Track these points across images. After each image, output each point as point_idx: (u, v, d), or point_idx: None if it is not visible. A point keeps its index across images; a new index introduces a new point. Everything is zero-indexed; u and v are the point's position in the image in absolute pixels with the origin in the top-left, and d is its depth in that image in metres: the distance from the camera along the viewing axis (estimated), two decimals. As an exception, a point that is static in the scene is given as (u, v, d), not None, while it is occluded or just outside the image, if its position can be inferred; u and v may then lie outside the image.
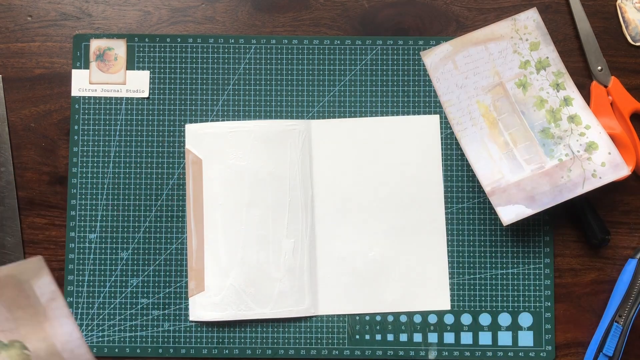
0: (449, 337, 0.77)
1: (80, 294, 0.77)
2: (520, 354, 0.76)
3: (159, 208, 0.78)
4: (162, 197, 0.78)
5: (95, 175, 0.78)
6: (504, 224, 0.74)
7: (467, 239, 0.77)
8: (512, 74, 0.77)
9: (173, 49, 0.79)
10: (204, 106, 0.79)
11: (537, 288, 0.77)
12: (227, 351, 0.77)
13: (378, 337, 0.77)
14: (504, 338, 0.77)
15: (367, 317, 0.77)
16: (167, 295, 0.77)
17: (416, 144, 0.78)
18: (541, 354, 0.77)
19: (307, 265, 0.77)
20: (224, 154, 0.77)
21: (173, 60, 0.79)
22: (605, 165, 0.74)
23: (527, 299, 0.77)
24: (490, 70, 0.77)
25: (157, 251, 0.78)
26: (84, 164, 0.78)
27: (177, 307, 0.77)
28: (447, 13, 0.79)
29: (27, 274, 0.59)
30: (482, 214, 0.78)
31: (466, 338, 0.77)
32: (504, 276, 0.77)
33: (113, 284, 0.77)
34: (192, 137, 0.78)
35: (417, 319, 0.77)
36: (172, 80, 0.79)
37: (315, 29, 0.79)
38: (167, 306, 0.77)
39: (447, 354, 0.76)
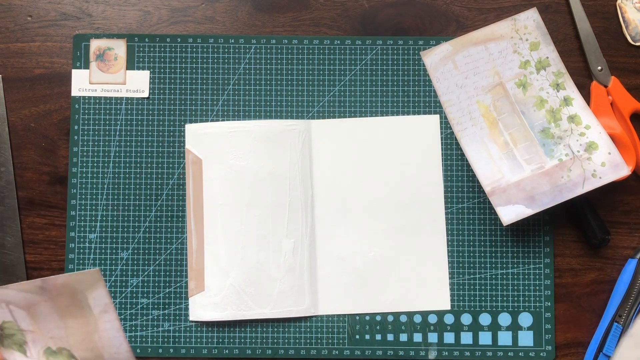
0: (449, 337, 0.77)
1: (80, 294, 0.77)
2: (520, 354, 0.76)
3: (159, 208, 0.78)
4: (162, 197, 0.78)
5: (95, 175, 0.78)
6: (504, 224, 0.74)
7: (467, 239, 0.77)
8: (512, 74, 0.77)
9: (173, 49, 0.79)
10: (204, 106, 0.79)
11: (537, 288, 0.77)
12: (227, 351, 0.77)
13: (378, 337, 0.77)
14: (504, 338, 0.77)
15: (367, 317, 0.77)
16: (167, 295, 0.77)
17: (416, 144, 0.78)
18: (541, 354, 0.77)
19: (307, 265, 0.77)
20: (224, 154, 0.77)
21: (173, 60, 0.79)
22: (605, 165, 0.74)
23: (527, 299, 0.77)
24: (490, 70, 0.77)
25: (157, 251, 0.78)
26: (84, 164, 0.78)
27: (177, 307, 0.77)
28: (447, 13, 0.79)
29: (84, 284, 0.60)
30: (482, 214, 0.78)
31: (466, 338, 0.77)
32: (504, 276, 0.77)
33: (113, 284, 0.77)
34: (192, 137, 0.78)
35: (417, 319, 0.77)
36: (172, 80, 0.79)
37: (315, 29, 0.79)
38: (167, 306, 0.77)
39: (447, 354, 0.76)
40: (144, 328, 0.77)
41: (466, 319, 0.77)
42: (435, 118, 0.78)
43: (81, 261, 0.77)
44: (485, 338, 0.77)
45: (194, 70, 0.79)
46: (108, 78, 0.79)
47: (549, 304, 0.77)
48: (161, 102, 0.79)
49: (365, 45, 0.79)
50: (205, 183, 0.77)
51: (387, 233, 0.77)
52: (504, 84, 0.77)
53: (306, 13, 0.80)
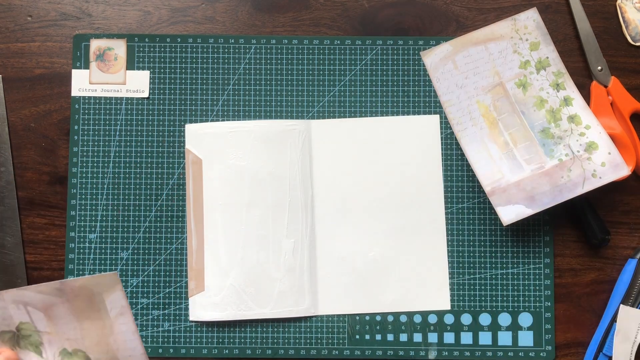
0: (449, 337, 0.77)
1: (80, 294, 0.77)
2: (520, 354, 0.76)
3: (159, 208, 0.78)
4: (162, 197, 0.78)
5: (95, 175, 0.78)
6: (504, 224, 0.74)
7: (467, 239, 0.77)
8: (512, 74, 0.77)
9: (173, 49, 0.79)
10: (204, 106, 0.79)
11: (537, 288, 0.77)
12: (227, 351, 0.77)
13: (378, 337, 0.77)
14: (504, 338, 0.77)
15: (367, 317, 0.77)
16: (167, 295, 0.77)
17: (416, 144, 0.78)
18: (541, 354, 0.77)
19: (307, 265, 0.77)
20: (224, 154, 0.77)
21: (173, 60, 0.79)
22: (605, 165, 0.74)
23: (527, 299, 0.77)
24: (490, 70, 0.77)
25: (157, 251, 0.78)
26: (84, 164, 0.78)
27: (177, 307, 0.77)
28: (447, 13, 0.79)
29: (101, 287, 0.60)
30: (482, 214, 0.78)
31: (466, 338, 0.77)
32: (504, 276, 0.77)
33: (113, 284, 0.77)
34: (192, 137, 0.78)
35: (417, 319, 0.77)
36: (172, 80, 0.79)
37: (315, 29, 0.79)
38: (167, 306, 0.77)
39: (447, 354, 0.76)
40: (144, 328, 0.77)
41: (466, 319, 0.77)
42: (435, 118, 0.78)
43: (81, 261, 0.77)
44: (485, 338, 0.77)
45: (194, 70, 0.79)
46: (108, 78, 0.79)
47: (549, 304, 0.77)
48: (161, 102, 0.79)
49: (365, 45, 0.79)
50: (205, 183, 0.77)
51: (387, 233, 0.77)
52: (504, 84, 0.77)
53: (306, 13, 0.80)
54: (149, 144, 0.78)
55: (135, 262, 0.77)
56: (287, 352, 0.77)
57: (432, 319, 0.77)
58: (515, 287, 0.77)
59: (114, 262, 0.77)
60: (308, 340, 0.77)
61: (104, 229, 0.78)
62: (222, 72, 0.79)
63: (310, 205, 0.77)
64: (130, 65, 0.79)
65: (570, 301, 0.77)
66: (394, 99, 0.79)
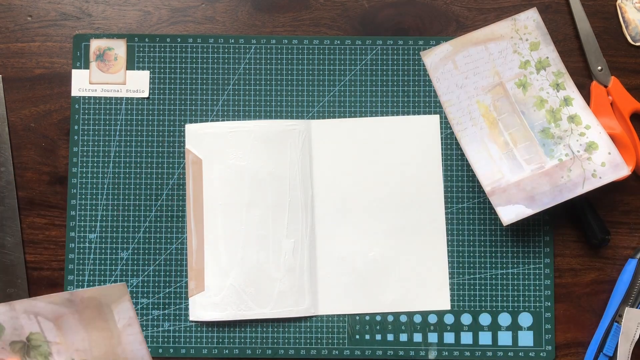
0: (449, 337, 0.77)
1: (80, 294, 0.77)
2: (520, 354, 0.76)
3: (159, 208, 0.78)
4: (162, 197, 0.78)
5: (95, 175, 0.78)
6: (504, 224, 0.74)
7: (467, 239, 0.77)
8: (512, 74, 0.77)
9: (173, 49, 0.79)
10: (204, 106, 0.79)
11: (537, 288, 0.77)
12: (227, 351, 0.77)
13: (378, 337, 0.77)
14: (504, 338, 0.77)
15: (367, 317, 0.77)
16: (167, 295, 0.77)
17: (416, 144, 0.78)
18: (541, 354, 0.77)
19: (307, 265, 0.77)
20: (224, 154, 0.77)
21: (173, 60, 0.79)
22: (605, 165, 0.74)
23: (527, 299, 0.77)
24: (490, 70, 0.77)
25: (157, 251, 0.78)
26: (84, 164, 0.78)
27: (177, 307, 0.77)
28: (447, 13, 0.79)
29: (110, 298, 0.61)
30: (482, 214, 0.78)
31: (466, 338, 0.77)
32: (504, 276, 0.77)
33: (113, 283, 0.77)
34: (192, 137, 0.78)
35: (417, 319, 0.77)
36: (172, 80, 0.79)
37: (315, 29, 0.79)
38: (167, 306, 0.77)
39: (447, 354, 0.76)
40: (144, 328, 0.77)
41: (466, 319, 0.77)
42: (435, 118, 0.78)
43: (81, 261, 0.77)
44: (485, 338, 0.77)
45: (194, 70, 0.79)
46: (108, 78, 0.79)
47: (549, 304, 0.77)
48: (161, 102, 0.79)
49: (365, 45, 0.79)
50: (205, 183, 0.77)
51: (387, 233, 0.77)
52: (504, 84, 0.77)
53: (306, 13, 0.80)
54: (149, 144, 0.78)
55: (135, 262, 0.77)
56: (287, 352, 0.77)
57: (432, 319, 0.77)
58: (515, 287, 0.77)
59: (114, 262, 0.77)
60: (308, 340, 0.77)
61: (104, 229, 0.78)
62: (222, 72, 0.79)
63: (310, 205, 0.77)
64: (130, 65, 0.79)
65: (570, 301, 0.77)
66: (394, 99, 0.79)
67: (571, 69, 0.77)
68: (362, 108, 0.78)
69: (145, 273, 0.77)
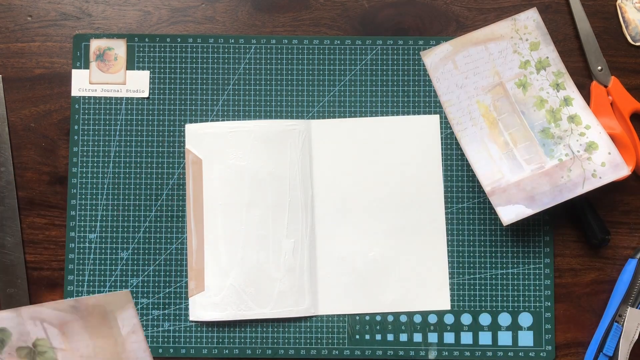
0: (449, 337, 0.77)
1: (80, 294, 0.77)
2: (520, 354, 0.76)
3: (159, 208, 0.78)
4: (162, 197, 0.78)
5: (95, 175, 0.78)
6: (504, 224, 0.74)
7: (467, 239, 0.77)
8: (512, 74, 0.77)
9: (173, 49, 0.79)
10: (204, 106, 0.79)
11: (537, 288, 0.77)
12: (227, 351, 0.77)
13: (378, 337, 0.77)
14: (504, 338, 0.77)
15: (367, 317, 0.77)
16: (167, 295, 0.77)
17: (416, 144, 0.78)
18: (541, 354, 0.77)
19: (307, 265, 0.77)
20: (224, 154, 0.77)
21: (173, 60, 0.79)
22: (605, 165, 0.74)
23: (527, 299, 0.77)
24: (490, 70, 0.77)
25: (157, 251, 0.78)
26: (84, 164, 0.78)
27: (177, 307, 0.77)
28: (447, 13, 0.79)
29: (114, 305, 0.61)
30: (482, 214, 0.78)
31: (466, 338, 0.77)
32: (504, 276, 0.77)
33: (113, 284, 0.77)
34: (192, 137, 0.78)
35: (417, 319, 0.77)
36: (172, 80, 0.79)
37: (315, 29, 0.79)
38: (167, 306, 0.77)
39: (447, 354, 0.76)
40: (144, 328, 0.77)
41: (466, 319, 0.77)
42: (435, 118, 0.78)
43: (81, 261, 0.77)
44: (485, 338, 0.77)
45: (194, 70, 0.79)
46: (108, 78, 0.79)
47: (549, 304, 0.77)
48: (161, 102, 0.79)
49: (365, 45, 0.79)
50: (205, 183, 0.77)
51: (387, 233, 0.77)
52: (504, 84, 0.77)
53: (306, 13, 0.80)
54: (149, 144, 0.78)
55: (135, 262, 0.77)
56: (287, 352, 0.77)
57: (432, 319, 0.77)
58: (515, 287, 0.77)
59: (114, 262, 0.77)
60: (308, 340, 0.77)
61: (104, 229, 0.78)
62: (222, 72, 0.79)
63: (310, 205, 0.77)
64: (130, 65, 0.79)
65: (570, 301, 0.77)
66: (394, 99, 0.79)
67: (571, 69, 0.77)
68: (362, 108, 0.78)
69: (145, 273, 0.77)
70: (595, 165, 0.74)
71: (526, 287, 0.77)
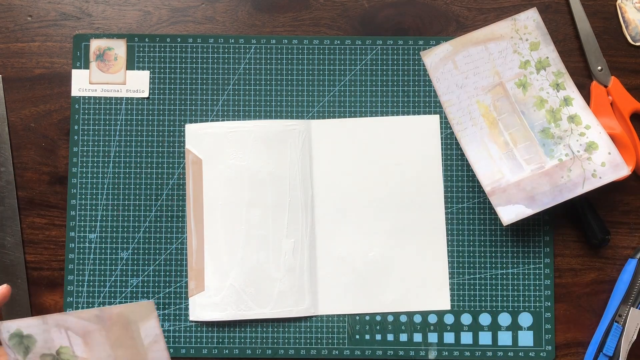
0: (449, 337, 0.77)
1: (80, 294, 0.77)
2: (520, 354, 0.76)
3: (159, 208, 0.78)
4: (162, 197, 0.78)
5: (95, 175, 0.78)
6: (504, 224, 0.74)
7: (467, 239, 0.77)
8: (512, 74, 0.77)
9: (173, 49, 0.79)
10: (204, 106, 0.79)
11: (537, 288, 0.77)
12: (227, 351, 0.77)
13: (378, 337, 0.77)
14: (504, 338, 0.77)
15: (367, 317, 0.77)
16: (167, 295, 0.77)
17: (416, 144, 0.78)
18: (541, 354, 0.77)
19: (307, 265, 0.77)
20: (224, 154, 0.77)
21: (173, 60, 0.79)
22: (605, 165, 0.74)
23: (527, 299, 0.77)
24: (490, 70, 0.77)
25: (157, 251, 0.78)
26: (84, 164, 0.78)
27: (177, 307, 0.77)
28: (447, 13, 0.79)
29: (137, 315, 0.62)
30: (482, 214, 0.78)
31: (466, 338, 0.77)
32: (504, 276, 0.77)
33: (113, 284, 0.77)
34: (192, 137, 0.78)
35: (417, 319, 0.77)
36: (172, 80, 0.79)
37: (315, 29, 0.79)
38: (167, 306, 0.77)
39: (447, 354, 0.76)
40: (144, 328, 0.77)
41: (466, 319, 0.77)
42: (435, 118, 0.78)
43: (81, 261, 0.77)
44: (485, 338, 0.77)
45: (194, 70, 0.79)
46: (108, 78, 0.79)
47: (549, 304, 0.77)
48: (161, 102, 0.79)
49: (365, 45, 0.79)
50: (205, 183, 0.77)
51: (387, 233, 0.77)
52: (504, 84, 0.77)
53: (306, 13, 0.80)
54: (149, 144, 0.78)
55: (135, 262, 0.77)
56: (287, 352, 0.77)
57: (432, 319, 0.77)
58: (515, 287, 0.77)
59: (114, 262, 0.77)
60: (308, 340, 0.77)
61: (104, 229, 0.78)
62: (222, 72, 0.79)
63: (310, 205, 0.77)
64: (130, 65, 0.79)
65: (570, 301, 0.77)
66: (394, 99, 0.79)
67: (571, 69, 0.77)
68: (362, 108, 0.78)
69: (145, 273, 0.77)
70: (595, 165, 0.74)
71: (526, 287, 0.77)
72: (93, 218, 0.78)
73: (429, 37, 0.79)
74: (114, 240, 0.78)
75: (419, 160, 0.78)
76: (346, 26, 0.79)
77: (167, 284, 0.77)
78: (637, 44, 0.79)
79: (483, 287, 0.77)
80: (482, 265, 0.77)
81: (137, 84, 0.79)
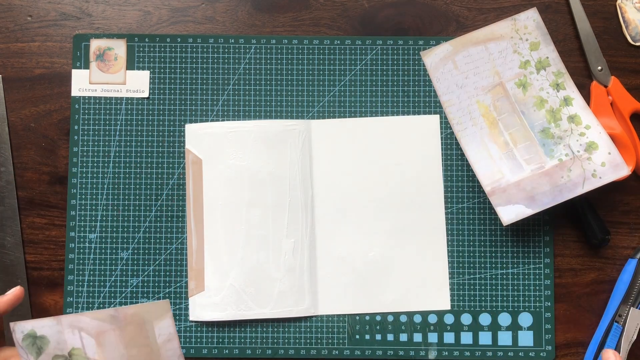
0: (449, 337, 0.77)
1: (80, 294, 0.77)
2: (520, 354, 0.76)
3: (159, 208, 0.78)
4: (162, 197, 0.78)
5: (95, 175, 0.78)
6: (504, 224, 0.74)
7: (467, 239, 0.77)
8: (512, 74, 0.77)
9: (173, 49, 0.79)
10: (204, 106, 0.79)
11: (537, 288, 0.77)
12: (227, 351, 0.77)
13: (378, 337, 0.77)
14: (504, 338, 0.77)
15: (367, 317, 0.77)
16: (167, 295, 0.77)
17: (416, 144, 0.78)
18: (541, 354, 0.77)
19: (307, 265, 0.77)
20: (224, 154, 0.77)
21: (173, 60, 0.79)
22: (605, 165, 0.74)
23: (527, 299, 0.77)
24: (490, 70, 0.77)
25: (157, 251, 0.78)
26: (84, 164, 0.78)
27: (177, 307, 0.77)
28: (447, 13, 0.79)
29: (152, 314, 0.62)
30: (482, 214, 0.78)
31: (466, 338, 0.77)
32: (504, 276, 0.77)
33: (113, 284, 0.77)
34: (192, 137, 0.78)
35: (417, 319, 0.77)
36: (172, 80, 0.79)
37: (315, 29, 0.79)
38: (167, 306, 0.77)
39: (447, 354, 0.76)
40: (144, 328, 0.77)
41: (466, 319, 0.77)
42: (435, 118, 0.78)
43: (81, 261, 0.77)
44: (485, 338, 0.77)
45: (194, 70, 0.79)
46: (108, 78, 0.79)
47: (549, 304, 0.77)
48: (161, 102, 0.79)
49: (365, 45, 0.79)
50: (205, 183, 0.77)
51: (387, 233, 0.77)
52: (504, 84, 0.77)
53: (306, 13, 0.80)
54: (149, 144, 0.78)
55: (135, 262, 0.77)
56: (287, 352, 0.77)
57: (432, 319, 0.77)
58: (515, 287, 0.77)
59: (114, 262, 0.77)
60: (308, 340, 0.77)
61: (104, 229, 0.78)
62: (222, 72, 0.79)
63: (310, 205, 0.77)
64: (130, 65, 0.79)
65: (570, 301, 0.77)
66: (394, 99, 0.79)
67: (571, 69, 0.77)
68: (362, 108, 0.78)
69: (145, 273, 0.77)
70: (595, 165, 0.74)
71: (526, 287, 0.77)
72: (93, 218, 0.78)
73: (429, 37, 0.79)
74: (114, 240, 0.78)
75: (419, 160, 0.78)
76: (346, 26, 0.79)
77: (167, 284, 0.77)
78: (637, 44, 0.79)
79: (483, 287, 0.77)
80: (482, 265, 0.77)
81: (137, 84, 0.79)
